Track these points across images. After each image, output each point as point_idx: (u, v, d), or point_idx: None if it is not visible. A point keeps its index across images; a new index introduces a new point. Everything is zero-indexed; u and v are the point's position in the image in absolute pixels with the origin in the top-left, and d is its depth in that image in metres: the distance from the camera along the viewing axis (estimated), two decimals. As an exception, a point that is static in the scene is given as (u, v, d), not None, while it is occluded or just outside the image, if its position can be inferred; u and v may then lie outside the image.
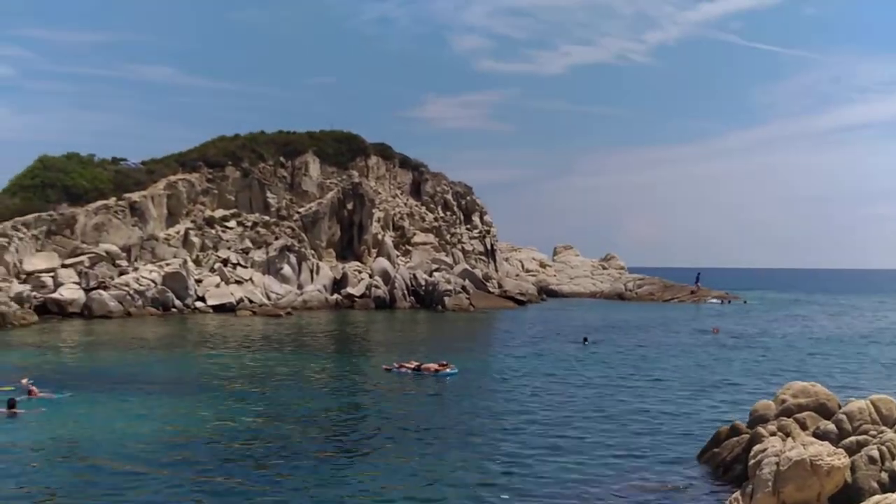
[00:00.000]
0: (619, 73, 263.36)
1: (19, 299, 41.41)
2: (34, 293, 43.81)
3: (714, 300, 76.93)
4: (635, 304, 72.85)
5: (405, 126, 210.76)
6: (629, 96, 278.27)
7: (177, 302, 48.44)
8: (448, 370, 25.16)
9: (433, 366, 25.41)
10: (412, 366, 25.69)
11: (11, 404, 18.03)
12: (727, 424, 15.26)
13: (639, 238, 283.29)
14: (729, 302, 76.47)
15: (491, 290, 65.26)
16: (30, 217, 48.55)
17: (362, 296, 56.60)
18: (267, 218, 58.61)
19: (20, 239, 47.19)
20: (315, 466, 14.20)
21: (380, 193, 66.74)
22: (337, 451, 15.54)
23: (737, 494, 11.51)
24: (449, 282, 58.72)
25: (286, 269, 55.24)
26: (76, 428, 16.85)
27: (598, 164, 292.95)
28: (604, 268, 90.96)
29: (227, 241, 55.58)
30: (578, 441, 16.48)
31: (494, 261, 73.95)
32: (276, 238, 56.70)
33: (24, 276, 45.75)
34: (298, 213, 60.15)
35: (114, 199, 52.11)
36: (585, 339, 36.27)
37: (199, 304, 49.53)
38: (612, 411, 19.76)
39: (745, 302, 75.45)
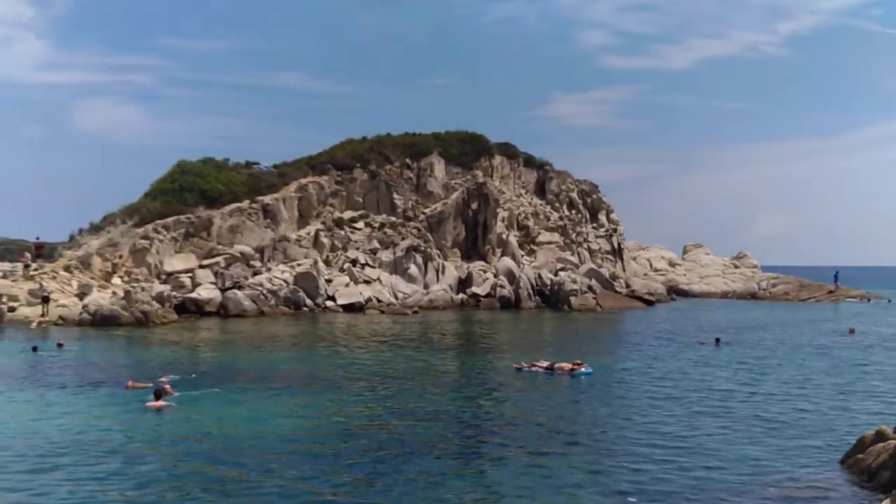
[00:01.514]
0: (750, 65, 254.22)
1: (160, 299, 43.27)
2: (174, 293, 45.70)
3: (852, 299, 73.35)
4: (769, 303, 70.23)
5: (530, 125, 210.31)
6: (760, 89, 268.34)
7: (308, 301, 49.67)
8: (583, 369, 24.75)
9: (567, 365, 25.03)
10: (544, 365, 25.37)
11: (157, 396, 18.82)
12: (870, 429, 14.43)
13: (772, 235, 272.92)
14: (869, 301, 72.79)
15: (618, 289, 64.18)
16: (169, 220, 50.79)
17: (487, 295, 56.65)
18: (393, 219, 59.44)
19: (160, 241, 49.46)
20: (441, 464, 14.20)
21: (504, 193, 66.68)
22: (463, 449, 15.48)
23: (886, 502, 10.88)
24: (575, 281, 58.07)
25: (412, 269, 55.86)
26: (212, 422, 17.40)
27: (729, 160, 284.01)
28: (736, 266, 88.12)
29: (356, 241, 56.66)
30: (713, 445, 15.89)
31: (621, 260, 72.79)
32: (403, 238, 57.43)
33: (164, 277, 47.91)
34: (424, 213, 60.75)
35: (247, 201, 53.92)
36: (718, 340, 35.12)
37: (329, 303, 50.64)
38: (747, 414, 19.00)
39: (889, 301, 71.65)
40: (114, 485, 12.77)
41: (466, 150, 66.01)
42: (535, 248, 65.23)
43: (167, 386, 19.66)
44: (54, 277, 44.91)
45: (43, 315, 39.96)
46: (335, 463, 14.21)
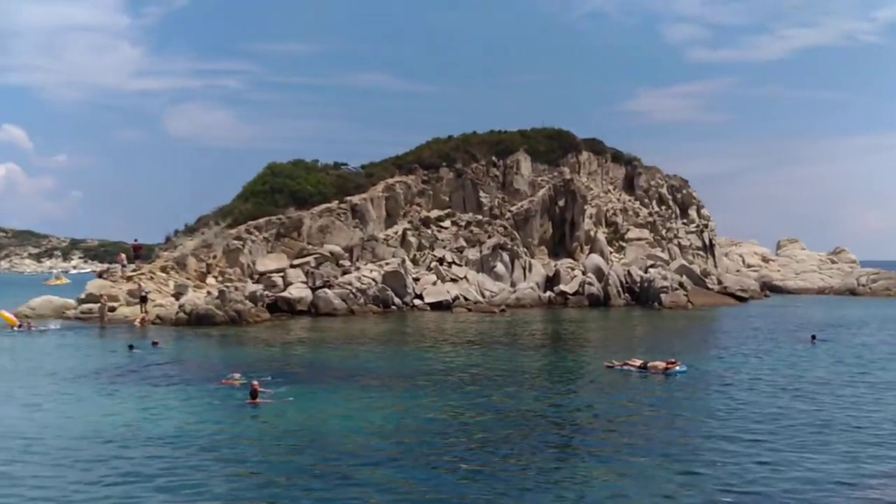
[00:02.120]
0: (845, 55, 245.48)
1: (253, 298, 44.16)
2: (266, 292, 46.59)
3: None
4: (869, 300, 67.72)
5: (617, 120, 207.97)
6: (857, 79, 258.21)
7: (396, 300, 50.01)
8: (677, 368, 24.20)
9: (661, 363, 24.51)
10: (637, 364, 24.89)
11: (253, 393, 19.14)
12: None
13: (869, 230, 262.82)
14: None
15: (710, 286, 62.75)
16: (261, 221, 51.85)
17: (575, 293, 56.05)
18: (480, 217, 59.41)
19: (253, 241, 50.54)
20: (531, 465, 14.03)
21: (592, 189, 65.96)
22: (554, 449, 15.27)
23: None
24: (665, 278, 56.97)
25: (499, 267, 55.71)
26: (305, 419, 17.63)
27: (823, 153, 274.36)
28: (833, 262, 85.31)
29: (443, 240, 56.84)
30: (809, 447, 15.30)
31: (713, 256, 71.26)
32: (489, 236, 57.34)
33: (256, 276, 48.94)
34: (510, 211, 60.54)
35: (336, 202, 54.65)
36: (814, 338, 33.95)
37: (416, 301, 50.91)
38: (844, 416, 18.21)
39: None
40: (212, 479, 13.02)
41: (553, 146, 65.55)
42: (624, 244, 64.32)
43: (255, 383, 19.98)
44: (152, 278, 46.29)
45: (145, 313, 41.20)
46: (424, 460, 14.22)
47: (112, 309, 42.50)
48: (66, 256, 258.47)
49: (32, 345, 32.68)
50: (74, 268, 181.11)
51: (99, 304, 42.48)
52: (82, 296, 45.07)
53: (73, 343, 33.34)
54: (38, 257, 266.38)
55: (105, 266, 52.13)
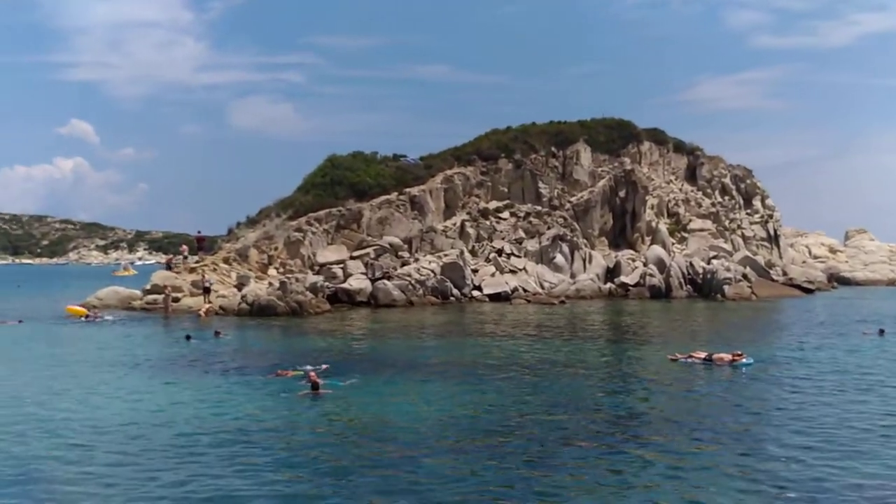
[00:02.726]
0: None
1: (314, 289, 44.53)
2: (326, 283, 46.95)
3: None
4: (943, 292, 65.64)
5: (679, 109, 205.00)
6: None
7: (455, 291, 49.99)
8: (743, 360, 23.68)
9: (726, 356, 23.99)
10: (702, 356, 24.39)
11: (314, 384, 19.24)
12: None
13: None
14: None
15: (774, 277, 61.50)
16: (321, 213, 52.26)
17: (636, 284, 55.37)
18: (539, 208, 59.04)
19: (313, 233, 50.99)
20: (592, 457, 13.83)
21: (653, 180, 65.12)
22: (617, 441, 15.02)
23: None
24: (728, 269, 55.90)
25: (559, 259, 55.31)
26: (364, 410, 17.68)
27: (894, 141, 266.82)
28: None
29: (501, 231, 56.63)
30: (874, 443, 14.84)
31: (778, 247, 69.68)
32: (549, 227, 56.94)
33: (317, 268, 49.37)
34: (570, 202, 60.04)
35: (395, 193, 54.79)
36: (882, 331, 32.95)
37: (475, 293, 50.83)
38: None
39: None
40: (274, 468, 13.12)
41: (613, 136, 64.87)
42: (686, 235, 63.36)
43: (312, 373, 20.09)
44: (215, 269, 47.01)
45: (209, 304, 41.83)
46: (482, 451, 14.11)
47: (176, 300, 43.29)
48: (131, 248, 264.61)
49: (97, 335, 33.38)
50: (140, 259, 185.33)
51: (163, 295, 43.31)
52: (147, 286, 46.02)
53: (135, 333, 33.99)
54: (104, 249, 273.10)
55: (171, 256, 53.20)
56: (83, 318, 38.96)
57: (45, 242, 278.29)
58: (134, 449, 14.41)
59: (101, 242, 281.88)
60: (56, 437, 15.21)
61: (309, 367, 21.73)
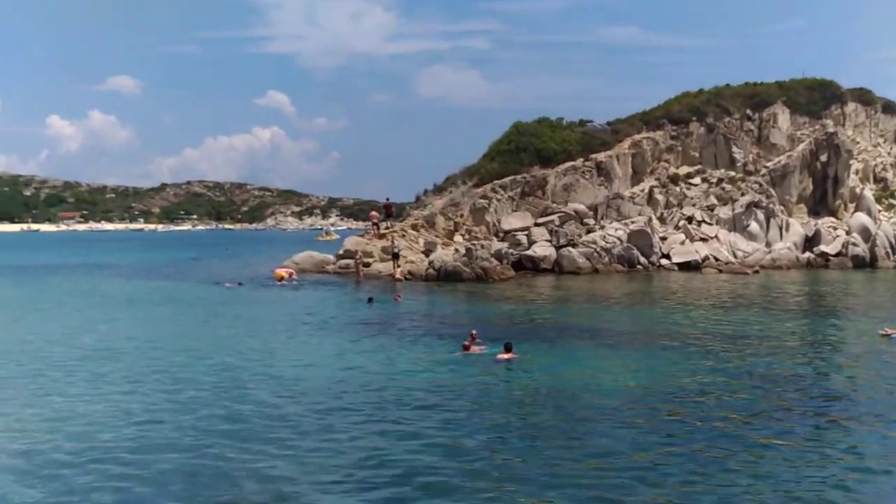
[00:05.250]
0: None
1: (498, 256, 44.92)
2: (511, 250, 47.19)
3: None
4: None
5: (889, 67, 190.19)
6: None
7: (641, 259, 48.97)
8: None
9: None
10: (918, 332, 22.63)
11: (507, 348, 19.34)
12: None
13: None
14: None
15: None
16: (506, 180, 52.40)
17: (838, 254, 52.25)
18: (732, 173, 56.62)
19: (498, 200, 51.26)
20: (789, 436, 13.05)
21: (858, 143, 60.94)
22: (819, 419, 14.13)
23: None
24: (944, 239, 51.64)
25: (753, 226, 52.98)
26: (551, 377, 17.59)
27: None
28: None
29: (692, 198, 54.79)
30: None
31: None
32: (743, 194, 54.53)
33: (501, 235, 49.68)
34: (766, 167, 57.21)
35: (581, 160, 54.06)
36: None
37: (663, 261, 49.61)
38: None
39: None
40: (457, 430, 13.28)
41: (814, 97, 61.11)
42: (894, 202, 58.99)
43: (466, 342, 20.25)
44: (403, 235, 48.27)
45: (400, 268, 43.05)
46: (663, 425, 13.66)
47: (367, 265, 44.86)
48: (324, 214, 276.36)
49: (291, 297, 35.22)
50: (332, 225, 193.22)
51: (354, 260, 44.96)
52: (340, 251, 47.98)
53: (329, 296, 35.63)
54: (299, 215, 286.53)
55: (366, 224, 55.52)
56: (279, 282, 41.07)
57: (244, 209, 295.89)
58: (322, 407, 14.97)
59: (297, 209, 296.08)
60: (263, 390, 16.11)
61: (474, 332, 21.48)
